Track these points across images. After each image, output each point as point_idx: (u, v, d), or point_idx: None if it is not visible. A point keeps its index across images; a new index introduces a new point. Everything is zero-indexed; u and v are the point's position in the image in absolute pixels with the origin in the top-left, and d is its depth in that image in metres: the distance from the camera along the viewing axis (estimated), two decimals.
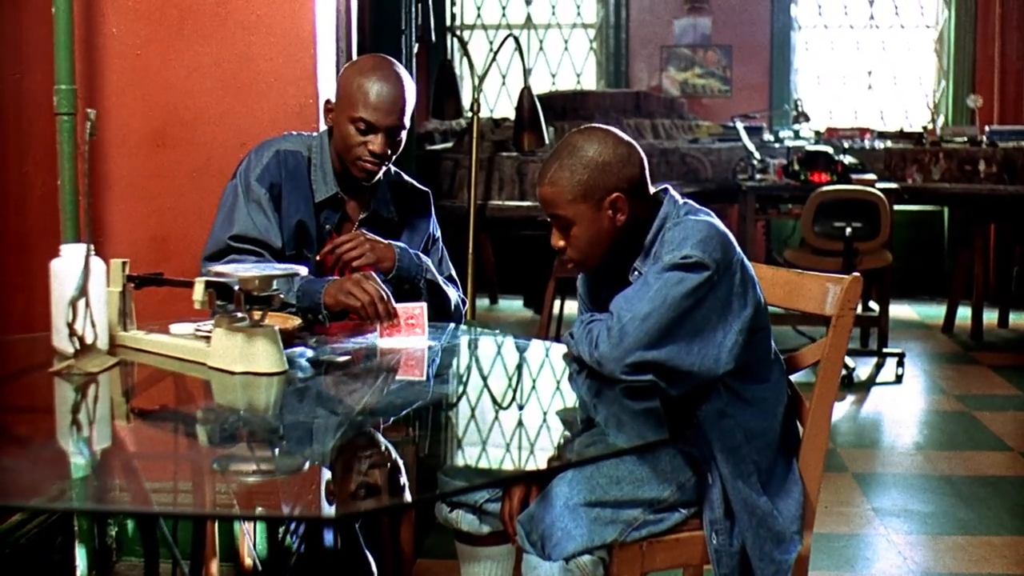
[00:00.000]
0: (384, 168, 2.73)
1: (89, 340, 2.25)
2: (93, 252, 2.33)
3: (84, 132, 2.60)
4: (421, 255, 2.78)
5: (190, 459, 1.94)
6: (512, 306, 8.21)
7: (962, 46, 8.51)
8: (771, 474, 2.36)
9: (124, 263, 2.44)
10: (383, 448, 1.97)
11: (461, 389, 2.36)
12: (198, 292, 2.23)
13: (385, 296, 2.54)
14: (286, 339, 2.32)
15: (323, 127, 2.85)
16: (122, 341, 2.44)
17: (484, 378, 2.48)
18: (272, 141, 2.83)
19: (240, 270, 2.24)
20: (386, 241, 2.71)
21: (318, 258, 2.71)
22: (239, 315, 2.23)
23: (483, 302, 8.17)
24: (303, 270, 2.34)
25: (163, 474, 1.85)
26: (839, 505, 4.07)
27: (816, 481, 2.44)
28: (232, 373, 2.22)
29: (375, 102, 2.65)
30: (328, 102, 2.77)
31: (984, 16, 8.43)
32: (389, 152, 2.69)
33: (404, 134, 2.72)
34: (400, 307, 2.54)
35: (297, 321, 2.46)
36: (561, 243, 2.34)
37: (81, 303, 2.21)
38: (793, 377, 2.50)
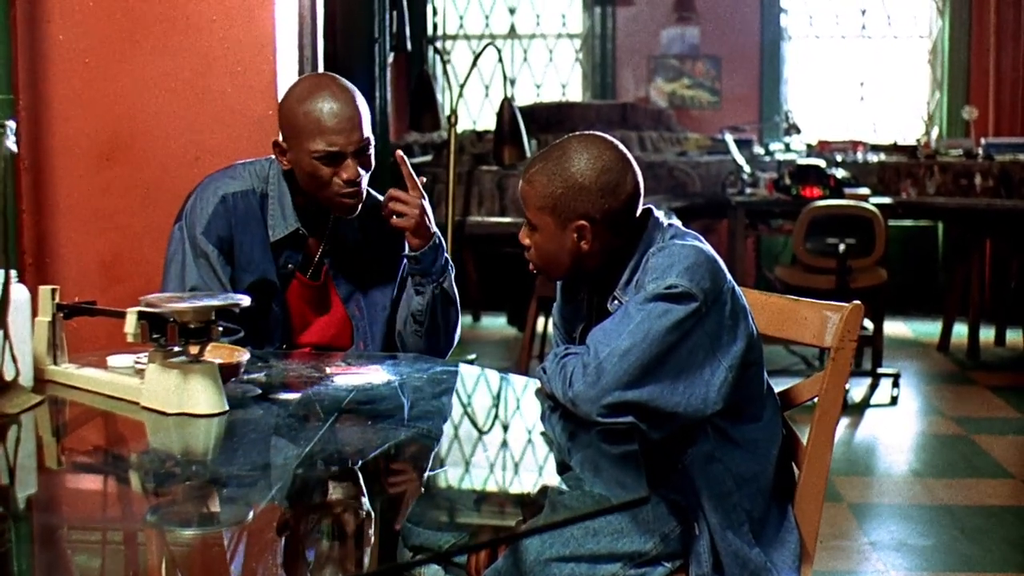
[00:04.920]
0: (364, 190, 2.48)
1: (9, 377, 2.04)
2: (16, 279, 2.12)
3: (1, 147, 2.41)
4: (449, 260, 2.59)
5: (118, 515, 1.71)
6: (495, 323, 8.01)
7: (956, 57, 8.32)
8: (764, 523, 2.15)
9: (54, 290, 2.23)
10: (335, 502, 1.75)
11: (421, 430, 2.14)
12: (130, 324, 2.01)
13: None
14: (229, 375, 2.10)
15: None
16: (51, 376, 2.22)
17: (453, 417, 2.26)
18: (216, 180, 2.54)
19: (174, 300, 2.02)
20: (434, 229, 2.53)
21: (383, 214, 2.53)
22: (175, 349, 2.01)
23: (466, 319, 7.97)
24: (245, 300, 2.09)
25: (85, 538, 1.63)
26: (835, 539, 3.86)
27: (814, 528, 2.23)
28: (166, 414, 2.00)
29: (331, 126, 2.38)
30: (277, 143, 2.49)
31: (979, 26, 8.24)
32: (363, 173, 2.44)
33: (372, 147, 2.46)
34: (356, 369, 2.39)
35: (245, 355, 2.23)
36: (527, 241, 2.17)
37: None
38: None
